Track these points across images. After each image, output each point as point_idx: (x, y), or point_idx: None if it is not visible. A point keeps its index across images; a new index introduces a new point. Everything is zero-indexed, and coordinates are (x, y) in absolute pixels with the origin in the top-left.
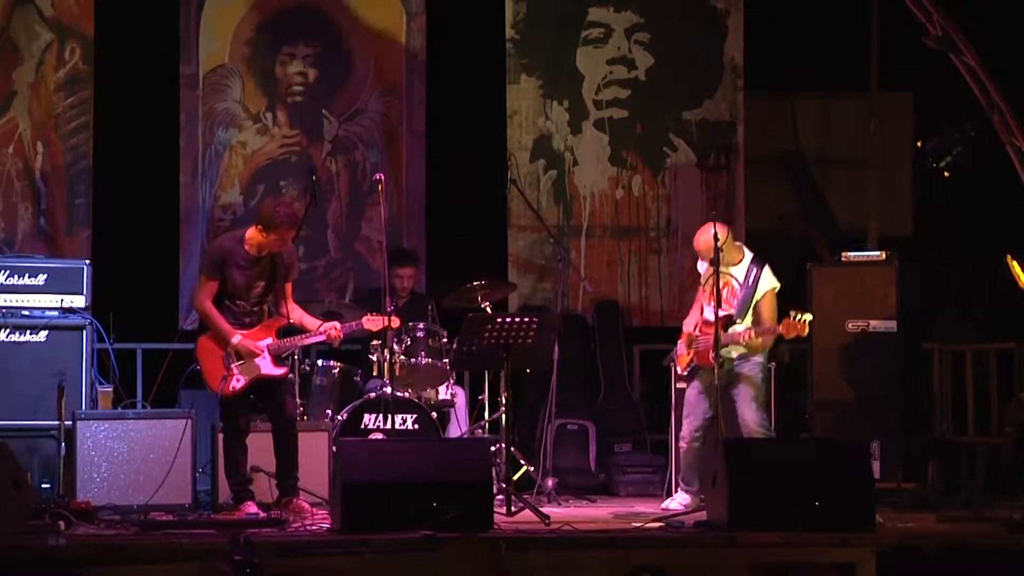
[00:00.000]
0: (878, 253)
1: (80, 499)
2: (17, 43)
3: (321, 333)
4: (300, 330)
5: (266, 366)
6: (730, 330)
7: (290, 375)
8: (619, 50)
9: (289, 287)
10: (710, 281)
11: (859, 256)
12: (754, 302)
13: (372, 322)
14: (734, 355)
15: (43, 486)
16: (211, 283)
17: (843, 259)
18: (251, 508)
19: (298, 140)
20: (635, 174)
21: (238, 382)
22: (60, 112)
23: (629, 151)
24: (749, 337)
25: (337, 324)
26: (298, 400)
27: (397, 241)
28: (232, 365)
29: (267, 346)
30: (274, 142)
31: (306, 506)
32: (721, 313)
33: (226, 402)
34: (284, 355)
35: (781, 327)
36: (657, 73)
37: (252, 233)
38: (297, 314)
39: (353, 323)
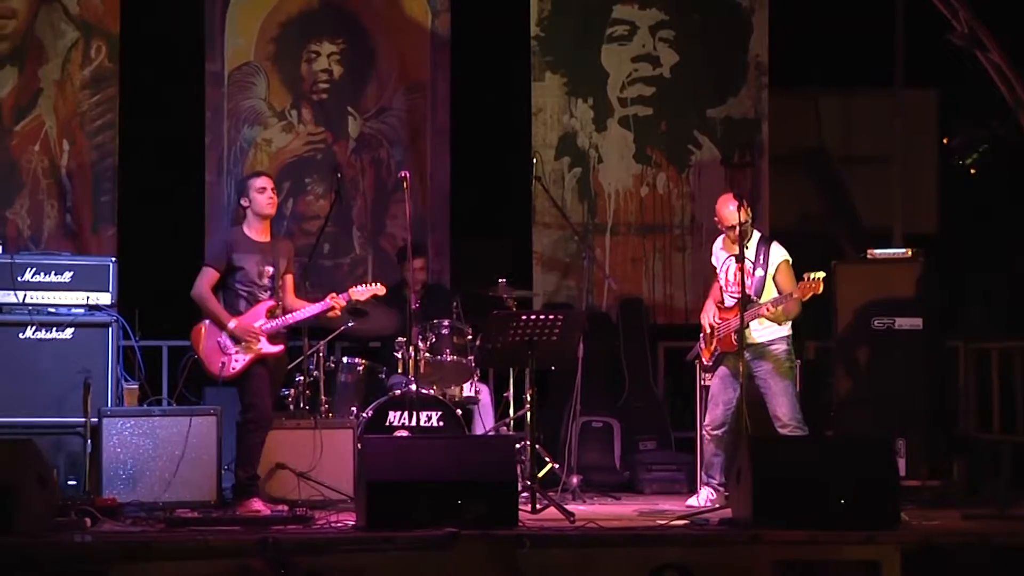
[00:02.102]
0: (903, 250)
1: (106, 496)
2: (43, 41)
3: (318, 307)
4: None
5: (263, 345)
6: (749, 308)
7: (301, 372)
8: (644, 47)
9: (291, 279)
10: (726, 266)
11: (884, 253)
12: (769, 278)
13: (358, 292)
14: (758, 339)
15: (69, 483)
16: (213, 272)
17: (868, 256)
18: (256, 505)
19: (323, 138)
20: (660, 171)
21: (236, 363)
22: (86, 110)
23: (654, 148)
24: (770, 309)
25: (334, 294)
26: (323, 397)
27: (422, 238)
28: (230, 348)
29: (261, 325)
30: (299, 139)
31: (261, 507)
32: (738, 297)
33: (242, 384)
34: (280, 332)
35: (797, 290)
36: (682, 70)
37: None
38: (299, 303)
39: (344, 294)
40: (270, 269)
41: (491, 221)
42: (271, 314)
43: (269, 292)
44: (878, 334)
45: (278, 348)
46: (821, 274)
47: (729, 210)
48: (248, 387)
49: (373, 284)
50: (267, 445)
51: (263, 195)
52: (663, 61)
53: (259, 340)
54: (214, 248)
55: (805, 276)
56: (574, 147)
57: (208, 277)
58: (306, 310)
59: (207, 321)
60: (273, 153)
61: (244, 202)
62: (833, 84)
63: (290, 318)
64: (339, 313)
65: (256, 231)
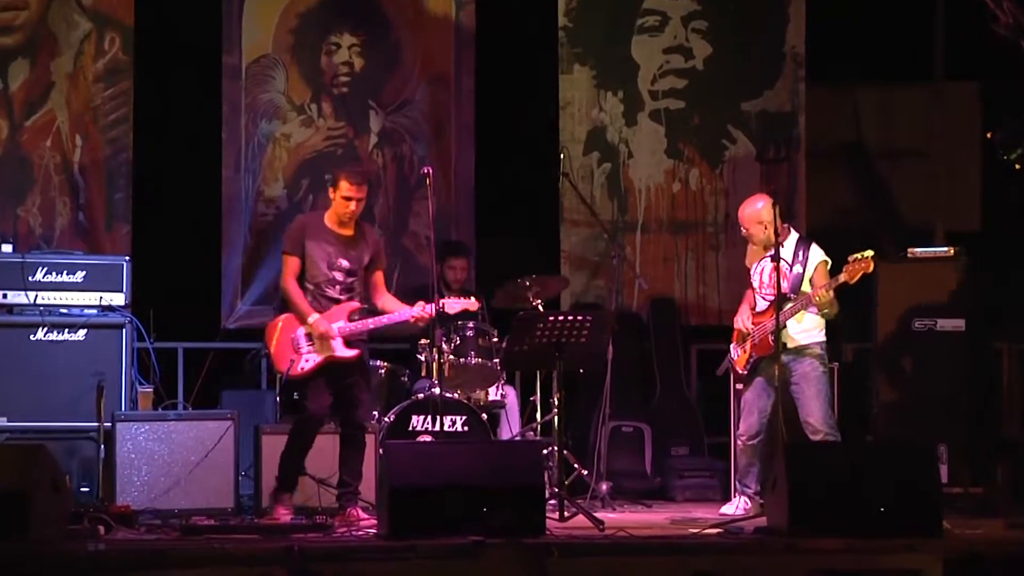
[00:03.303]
0: (945, 249)
1: (120, 503)
2: (55, 33)
3: (405, 314)
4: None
5: (338, 347)
6: (788, 306)
7: (369, 370)
8: (676, 39)
9: (380, 276)
10: (761, 267)
11: (925, 252)
12: (807, 278)
13: (449, 305)
14: (796, 341)
15: (82, 489)
16: (292, 260)
17: (909, 255)
18: (283, 512)
19: (344, 132)
20: (692, 167)
21: (307, 362)
22: (99, 104)
23: (686, 143)
24: (817, 295)
25: (423, 302)
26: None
27: (445, 236)
28: (303, 346)
29: (339, 328)
30: (319, 134)
31: (362, 515)
32: (773, 300)
33: (297, 386)
34: (357, 337)
35: (844, 273)
36: (715, 62)
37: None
38: (391, 304)
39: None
40: (344, 263)
41: (517, 219)
42: (354, 317)
43: (340, 288)
44: (919, 336)
45: (353, 353)
46: (869, 252)
47: (755, 208)
48: (303, 389)
49: (467, 297)
50: None
51: (344, 206)
52: (696, 53)
53: (334, 341)
54: (290, 233)
55: (849, 258)
56: (603, 142)
57: (290, 266)
58: (389, 316)
59: (286, 314)
60: (292, 148)
61: (331, 192)
62: (872, 76)
63: (371, 322)
64: (424, 323)
65: (337, 221)
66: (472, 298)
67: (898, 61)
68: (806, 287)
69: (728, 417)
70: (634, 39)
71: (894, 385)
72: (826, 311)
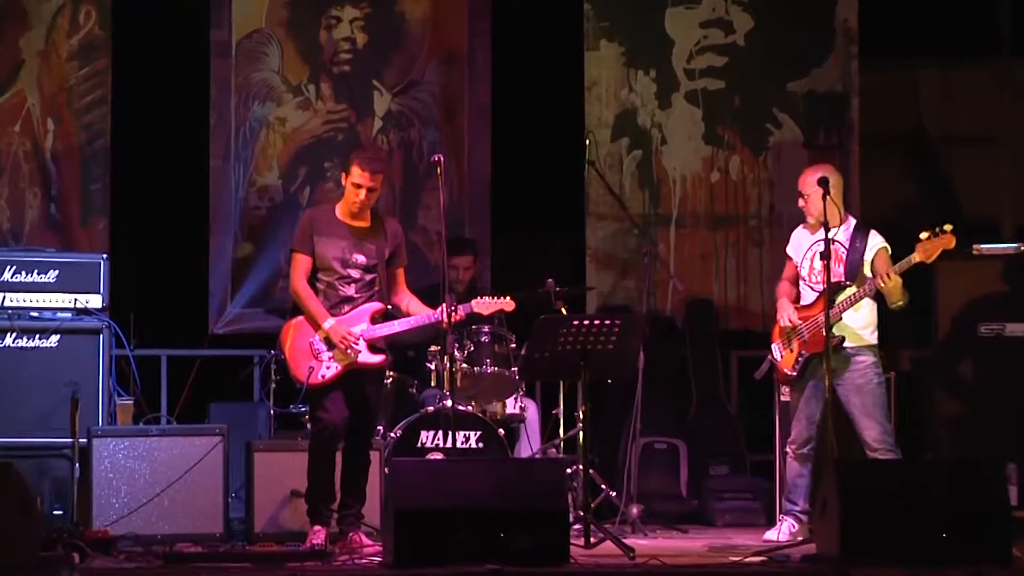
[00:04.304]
0: (1014, 245)
1: (96, 527)
2: (24, 6)
3: (434, 315)
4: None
5: (364, 353)
6: (845, 294)
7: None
8: (714, 11)
9: (401, 274)
10: (812, 252)
11: (992, 248)
12: (866, 264)
13: (481, 305)
14: (851, 339)
15: (55, 512)
16: (302, 258)
17: (973, 251)
18: (319, 537)
19: (345, 116)
20: (733, 154)
21: (328, 370)
22: (73, 84)
23: (726, 128)
24: (884, 281)
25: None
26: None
27: (458, 231)
28: (323, 352)
29: (362, 332)
30: (317, 118)
31: (365, 540)
32: (822, 290)
33: (313, 395)
34: (382, 342)
35: (919, 253)
36: (758, 38)
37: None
38: (414, 306)
39: (466, 305)
40: (360, 258)
41: (538, 212)
42: (376, 319)
43: (357, 287)
44: (984, 341)
45: (378, 359)
46: (948, 226)
47: (811, 180)
48: (319, 398)
49: (500, 297)
50: (280, 470)
51: (354, 194)
52: (737, 27)
53: (357, 347)
54: (297, 228)
55: (921, 236)
56: (634, 126)
57: (300, 265)
58: (416, 318)
59: (299, 317)
60: (288, 134)
61: (343, 179)
62: (933, 54)
63: (397, 325)
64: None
65: (348, 211)
66: (507, 297)
67: (961, 37)
68: (864, 276)
69: (772, 431)
70: (668, 11)
71: (956, 397)
72: (897, 300)
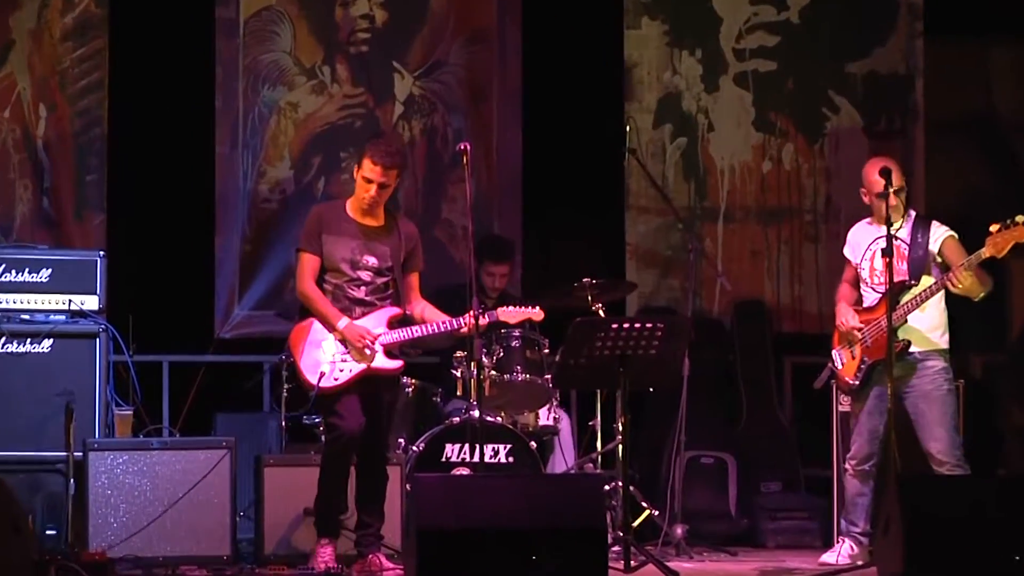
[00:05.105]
0: None
1: (93, 548)
2: None
3: (450, 324)
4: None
5: (377, 358)
6: (909, 294)
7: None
8: None
9: (415, 279)
10: (872, 251)
11: None
12: (932, 257)
13: (508, 314)
14: (918, 343)
15: (47, 532)
16: (310, 258)
17: None
18: (325, 555)
19: (363, 100)
20: (786, 142)
21: (342, 373)
22: (67, 66)
23: (778, 113)
24: (957, 277)
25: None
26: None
27: (486, 226)
28: (336, 354)
29: (379, 336)
30: (333, 103)
31: (385, 563)
32: (883, 292)
33: (326, 401)
34: (400, 348)
35: (989, 247)
36: (814, 14)
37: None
38: (429, 313)
39: (491, 312)
40: (371, 260)
41: (573, 205)
42: (394, 324)
43: (367, 290)
44: None
45: (396, 364)
46: (1021, 217)
47: (876, 176)
48: (332, 405)
49: (529, 306)
50: (292, 486)
51: (364, 189)
52: (790, 3)
53: (374, 348)
54: (305, 226)
55: (992, 228)
56: (678, 112)
57: (307, 265)
58: (437, 324)
59: (310, 319)
60: (301, 120)
61: (355, 171)
62: (1005, 30)
63: (417, 331)
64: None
65: (359, 208)
66: (536, 307)
67: None
68: (928, 277)
69: (829, 445)
70: None
71: None
72: (978, 293)
